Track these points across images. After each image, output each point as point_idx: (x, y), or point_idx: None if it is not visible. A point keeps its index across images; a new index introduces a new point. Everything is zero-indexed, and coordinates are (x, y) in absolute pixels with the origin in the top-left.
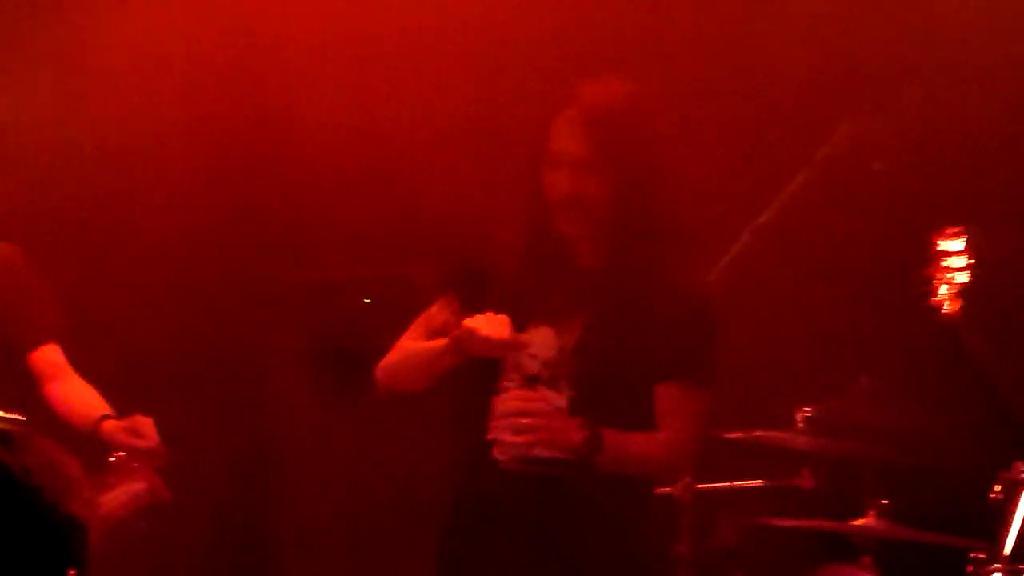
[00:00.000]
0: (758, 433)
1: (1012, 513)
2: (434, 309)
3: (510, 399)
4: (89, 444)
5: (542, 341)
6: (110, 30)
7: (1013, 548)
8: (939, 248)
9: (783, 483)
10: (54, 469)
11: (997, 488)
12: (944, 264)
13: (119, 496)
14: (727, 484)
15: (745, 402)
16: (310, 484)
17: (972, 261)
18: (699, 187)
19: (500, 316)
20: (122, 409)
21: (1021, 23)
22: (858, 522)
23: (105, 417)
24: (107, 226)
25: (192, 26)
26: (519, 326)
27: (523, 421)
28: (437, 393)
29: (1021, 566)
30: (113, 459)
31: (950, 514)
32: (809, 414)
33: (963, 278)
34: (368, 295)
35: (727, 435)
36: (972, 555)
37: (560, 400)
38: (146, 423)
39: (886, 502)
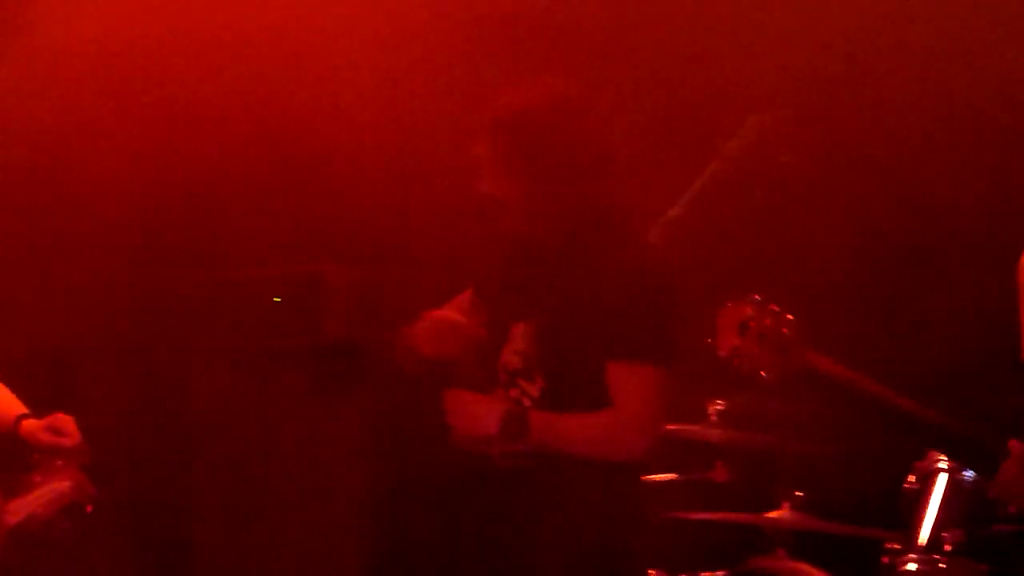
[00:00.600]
0: (672, 427)
1: (926, 503)
2: (455, 302)
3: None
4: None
5: (519, 335)
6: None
7: (928, 538)
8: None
9: (697, 476)
10: None
11: (911, 478)
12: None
13: (44, 495)
14: None
15: None
16: (228, 481)
17: (790, 316)
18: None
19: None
20: (35, 408)
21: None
22: (773, 514)
23: (23, 416)
24: (18, 221)
25: (99, 25)
26: (502, 323)
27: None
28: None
29: (936, 556)
30: (35, 458)
31: (865, 505)
32: (721, 407)
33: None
34: (279, 294)
35: None
36: (887, 545)
37: (533, 390)
38: (67, 421)
39: (800, 494)
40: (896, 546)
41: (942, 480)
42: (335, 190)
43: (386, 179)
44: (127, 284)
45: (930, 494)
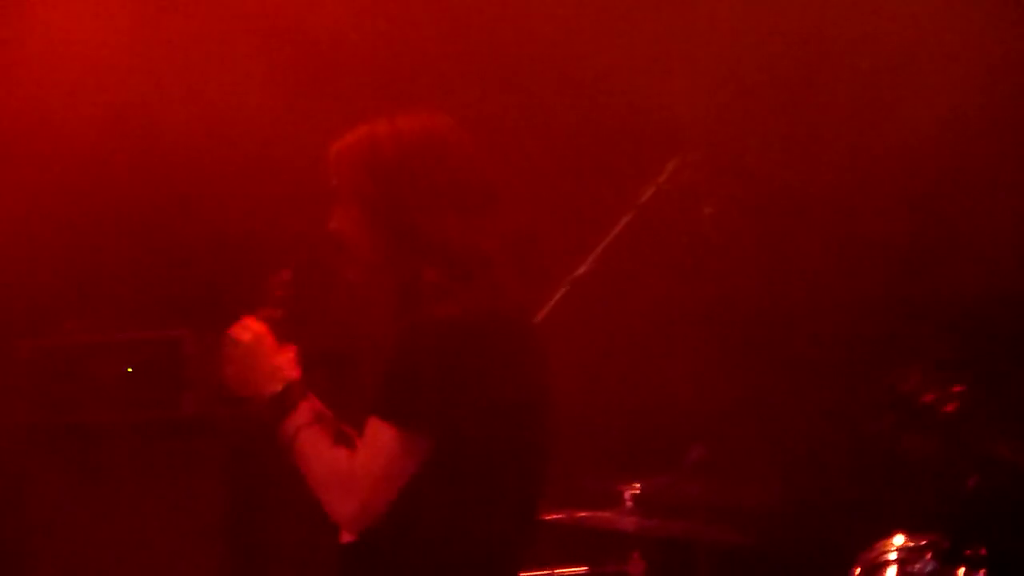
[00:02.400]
0: (581, 514)
1: None
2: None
3: None
4: None
5: None
6: None
7: None
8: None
9: (610, 569)
10: None
11: (856, 571)
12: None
13: None
14: (547, 571)
15: (565, 478)
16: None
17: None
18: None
19: None
20: None
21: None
22: None
23: None
24: None
25: None
26: None
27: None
28: None
29: None
30: None
31: None
32: (637, 491)
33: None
34: (131, 362)
35: (546, 516)
36: None
37: None
38: None
39: None
40: None
41: (891, 573)
42: (195, 247)
43: (250, 237)
44: None
45: None
